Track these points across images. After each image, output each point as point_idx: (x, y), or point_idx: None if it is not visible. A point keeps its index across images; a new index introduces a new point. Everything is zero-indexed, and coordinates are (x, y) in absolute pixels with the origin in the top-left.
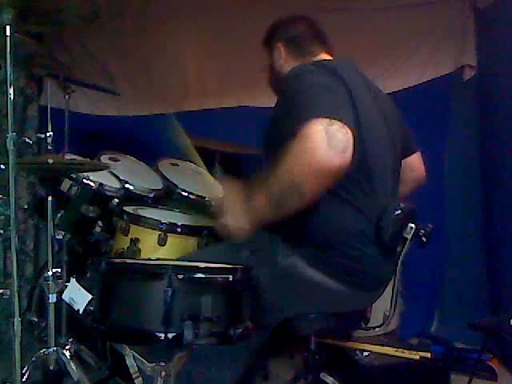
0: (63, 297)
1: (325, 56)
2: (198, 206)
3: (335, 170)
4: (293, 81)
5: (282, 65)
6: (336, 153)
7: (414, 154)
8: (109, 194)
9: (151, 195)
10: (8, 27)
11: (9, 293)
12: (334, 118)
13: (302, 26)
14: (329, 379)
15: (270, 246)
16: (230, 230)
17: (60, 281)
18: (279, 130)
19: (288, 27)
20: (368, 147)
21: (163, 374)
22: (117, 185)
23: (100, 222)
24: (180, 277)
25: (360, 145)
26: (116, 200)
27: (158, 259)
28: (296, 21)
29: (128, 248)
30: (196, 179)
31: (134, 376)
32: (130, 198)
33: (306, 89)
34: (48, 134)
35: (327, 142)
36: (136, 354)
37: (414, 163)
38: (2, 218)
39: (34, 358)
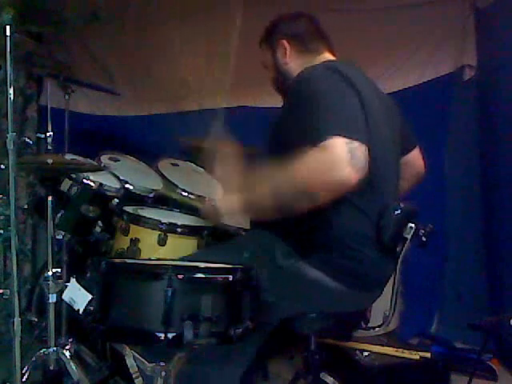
0: (63, 297)
1: (328, 55)
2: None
3: (352, 186)
4: (306, 86)
5: (286, 62)
6: (355, 170)
7: (414, 150)
8: (109, 194)
9: (151, 195)
10: (8, 27)
11: (9, 293)
12: (354, 136)
13: (305, 22)
14: (329, 379)
15: (271, 246)
16: (218, 210)
17: (60, 281)
18: (288, 132)
19: (290, 24)
20: (373, 149)
21: (163, 373)
22: (117, 185)
23: (100, 222)
24: (180, 277)
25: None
26: (116, 200)
27: (158, 259)
28: (297, 17)
29: (128, 248)
30: (196, 179)
31: (134, 376)
32: (130, 197)
33: (322, 98)
34: (48, 134)
35: (349, 159)
36: (136, 354)
37: (414, 159)
38: (1, 218)
39: (33, 358)
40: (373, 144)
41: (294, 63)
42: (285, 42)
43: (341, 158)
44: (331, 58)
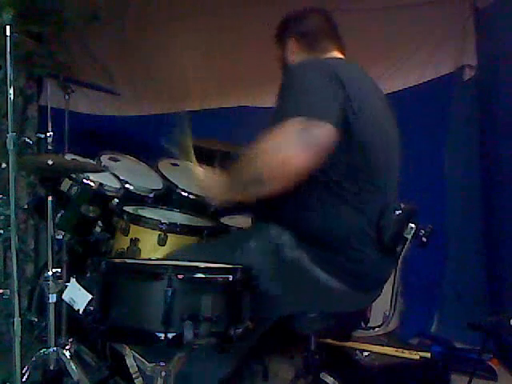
0: (63, 297)
1: (336, 54)
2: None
3: (305, 167)
4: (288, 75)
5: (293, 60)
6: (304, 149)
7: None
8: (109, 194)
9: (151, 195)
10: (8, 27)
11: (9, 293)
12: (314, 117)
13: (316, 20)
14: (329, 379)
15: (276, 237)
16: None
17: (60, 281)
18: (274, 121)
19: (301, 22)
20: (375, 148)
21: (163, 373)
22: (117, 185)
23: (100, 222)
24: (180, 277)
25: (366, 146)
26: (116, 200)
27: (157, 259)
28: (310, 15)
29: (128, 248)
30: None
31: (133, 376)
32: (130, 197)
33: (296, 86)
34: (48, 134)
35: (297, 138)
36: (136, 354)
37: None
38: (1, 218)
39: (34, 358)
40: (375, 143)
41: (300, 60)
42: (293, 40)
43: (288, 137)
44: (339, 56)
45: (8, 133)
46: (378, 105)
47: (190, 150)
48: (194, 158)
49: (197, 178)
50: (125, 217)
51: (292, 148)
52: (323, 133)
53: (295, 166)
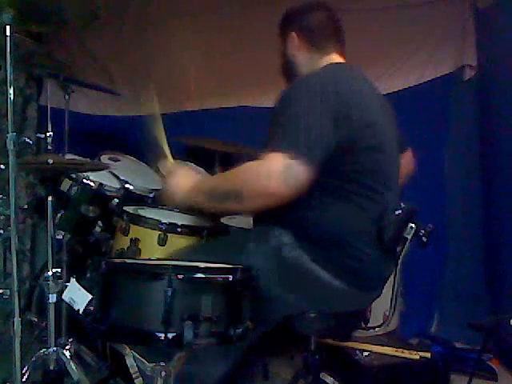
0: (63, 297)
1: (335, 57)
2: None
3: (281, 199)
4: (283, 99)
5: (294, 54)
6: (286, 186)
7: (407, 152)
8: (109, 194)
9: (151, 195)
10: (8, 27)
11: (9, 293)
12: (298, 155)
13: (320, 16)
14: (329, 379)
15: (277, 238)
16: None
17: (60, 281)
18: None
19: (304, 16)
20: (377, 149)
21: (163, 373)
22: (117, 185)
23: (100, 222)
24: (180, 277)
25: (367, 151)
26: (116, 200)
27: (157, 259)
28: (314, 10)
29: (128, 248)
30: None
31: (133, 376)
32: (130, 198)
33: (288, 114)
34: (48, 134)
35: (280, 175)
36: (136, 354)
37: (407, 160)
38: (1, 218)
39: (34, 358)
40: (376, 147)
41: (301, 56)
42: (294, 34)
43: (272, 172)
44: (338, 60)
45: (8, 133)
46: (377, 109)
47: (165, 148)
48: (170, 156)
49: (168, 172)
50: (125, 217)
51: (273, 182)
52: (304, 173)
53: (274, 198)
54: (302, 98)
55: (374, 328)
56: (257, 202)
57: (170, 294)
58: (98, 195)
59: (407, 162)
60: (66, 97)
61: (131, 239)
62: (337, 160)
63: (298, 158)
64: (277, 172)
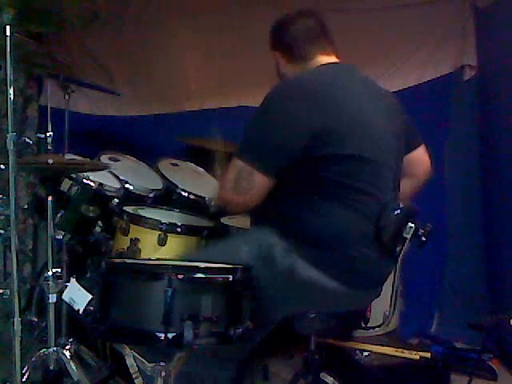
0: (63, 297)
1: (322, 58)
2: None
3: (241, 206)
4: (262, 102)
5: (283, 72)
6: (236, 194)
7: (420, 148)
8: (109, 194)
9: (151, 195)
10: (8, 27)
11: (9, 293)
12: (256, 166)
13: (299, 26)
14: (329, 379)
15: (270, 244)
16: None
17: (60, 281)
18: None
19: (283, 33)
20: (367, 151)
21: (163, 373)
22: (117, 185)
23: (100, 222)
24: (180, 277)
25: (359, 154)
26: (116, 200)
27: (157, 259)
28: (291, 23)
29: (128, 248)
30: (196, 179)
31: (133, 376)
32: (130, 198)
33: (259, 119)
34: (48, 134)
35: (232, 183)
36: (136, 354)
37: (421, 156)
38: (1, 218)
39: (33, 358)
40: (369, 149)
41: (291, 70)
42: (278, 54)
43: (228, 179)
44: (326, 60)
45: (8, 133)
46: (369, 108)
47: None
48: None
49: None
50: (125, 217)
51: (229, 190)
52: (259, 183)
53: (232, 205)
54: (277, 104)
55: (373, 328)
56: (228, 209)
57: (169, 294)
58: (98, 195)
59: (421, 156)
60: (66, 97)
61: (131, 239)
62: (329, 164)
63: (254, 167)
64: (232, 179)
